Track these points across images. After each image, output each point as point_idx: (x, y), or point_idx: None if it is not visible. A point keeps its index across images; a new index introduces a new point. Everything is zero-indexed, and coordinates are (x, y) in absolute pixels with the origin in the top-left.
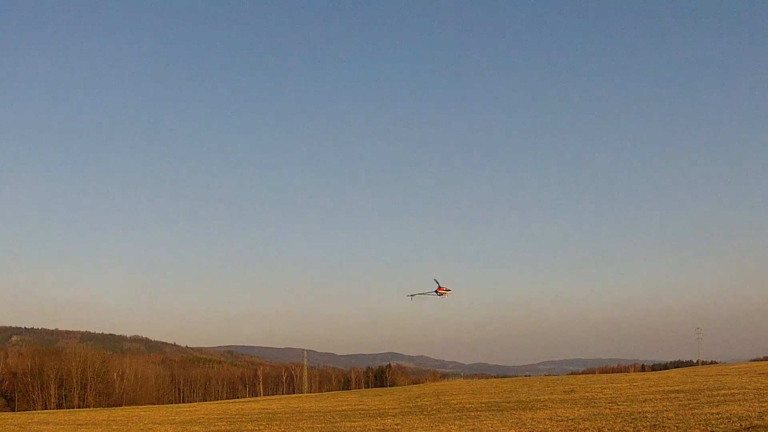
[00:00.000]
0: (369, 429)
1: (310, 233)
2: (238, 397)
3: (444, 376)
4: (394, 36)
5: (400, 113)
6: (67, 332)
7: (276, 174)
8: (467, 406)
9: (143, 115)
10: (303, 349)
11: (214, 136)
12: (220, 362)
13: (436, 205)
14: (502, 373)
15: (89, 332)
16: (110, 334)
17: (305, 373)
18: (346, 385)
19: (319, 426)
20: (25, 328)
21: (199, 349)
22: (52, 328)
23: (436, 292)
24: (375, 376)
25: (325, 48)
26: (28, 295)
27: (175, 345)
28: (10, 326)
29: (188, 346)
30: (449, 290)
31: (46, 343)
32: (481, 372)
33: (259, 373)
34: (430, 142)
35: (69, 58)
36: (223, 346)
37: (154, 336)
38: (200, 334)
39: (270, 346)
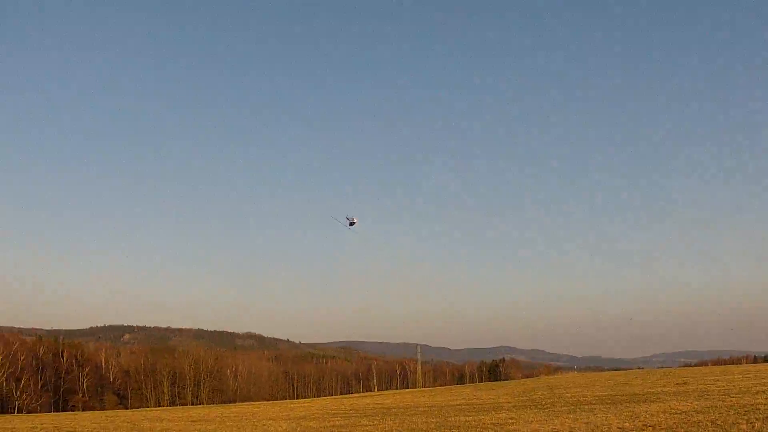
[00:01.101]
0: (483, 423)
1: (421, 228)
2: (351, 393)
3: (557, 369)
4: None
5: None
6: (180, 330)
7: (375, 171)
8: (581, 399)
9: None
10: (417, 344)
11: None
12: (333, 358)
13: (546, 199)
14: (615, 365)
15: (202, 329)
16: (223, 332)
17: (419, 367)
18: (459, 379)
19: (434, 420)
20: (137, 326)
21: (313, 345)
22: (164, 326)
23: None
24: (489, 370)
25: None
26: (141, 293)
27: (288, 341)
28: (123, 324)
29: (302, 342)
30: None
31: (159, 341)
32: (594, 365)
33: (373, 368)
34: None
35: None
36: (337, 342)
37: (267, 332)
38: (314, 330)
39: (384, 341)
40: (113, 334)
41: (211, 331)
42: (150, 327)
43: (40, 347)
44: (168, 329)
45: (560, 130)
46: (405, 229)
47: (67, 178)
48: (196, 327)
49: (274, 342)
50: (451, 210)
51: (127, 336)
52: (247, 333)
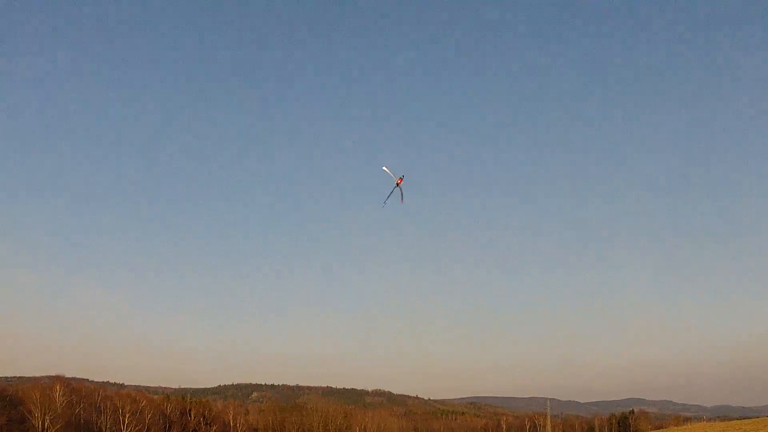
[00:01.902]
0: None
1: (544, 282)
2: None
3: (686, 419)
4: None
5: None
6: (309, 387)
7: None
8: None
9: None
10: (546, 398)
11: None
12: (462, 414)
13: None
14: (745, 414)
15: (331, 387)
16: (352, 389)
17: (548, 422)
18: None
19: None
20: (265, 384)
21: (442, 401)
22: (292, 384)
23: (397, 185)
24: (618, 423)
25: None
26: (269, 351)
27: (417, 398)
28: (251, 383)
29: (431, 398)
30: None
31: (287, 398)
32: (724, 414)
33: (503, 423)
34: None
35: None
36: (466, 398)
37: (396, 389)
38: (443, 386)
39: (513, 395)
40: (241, 392)
41: (339, 389)
42: (278, 385)
43: (167, 405)
44: (296, 387)
45: None
46: (529, 283)
47: (190, 239)
48: (324, 384)
49: (402, 398)
50: (574, 260)
51: (255, 394)
52: (375, 390)
